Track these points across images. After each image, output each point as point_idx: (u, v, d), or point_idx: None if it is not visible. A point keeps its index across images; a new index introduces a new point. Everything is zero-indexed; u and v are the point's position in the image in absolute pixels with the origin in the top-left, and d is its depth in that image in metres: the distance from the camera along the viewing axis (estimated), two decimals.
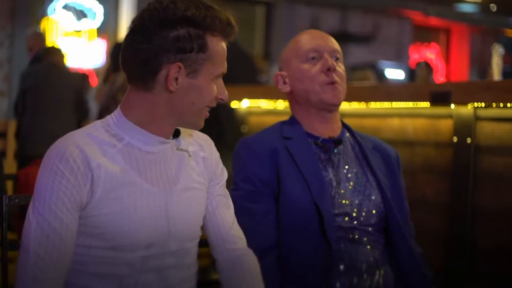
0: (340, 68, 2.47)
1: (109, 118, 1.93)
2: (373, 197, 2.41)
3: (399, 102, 3.54)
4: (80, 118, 6.36)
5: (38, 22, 9.55)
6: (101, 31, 10.25)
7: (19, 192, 3.26)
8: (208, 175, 2.07)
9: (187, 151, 2.02)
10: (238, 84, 4.76)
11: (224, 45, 1.91)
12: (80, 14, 10.07)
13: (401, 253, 2.39)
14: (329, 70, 2.41)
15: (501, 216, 3.11)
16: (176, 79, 1.83)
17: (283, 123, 2.52)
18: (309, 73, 2.43)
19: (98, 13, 10.21)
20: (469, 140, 3.22)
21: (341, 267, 2.29)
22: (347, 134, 2.53)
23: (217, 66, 1.88)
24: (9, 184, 4.27)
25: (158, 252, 1.89)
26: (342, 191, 2.38)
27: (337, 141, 2.45)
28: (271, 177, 2.36)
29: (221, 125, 5.60)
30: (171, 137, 1.96)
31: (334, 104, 2.43)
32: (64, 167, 1.78)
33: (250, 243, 2.10)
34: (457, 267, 3.18)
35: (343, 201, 2.36)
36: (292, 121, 2.51)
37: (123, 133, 1.89)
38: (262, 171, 2.36)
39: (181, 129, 2.02)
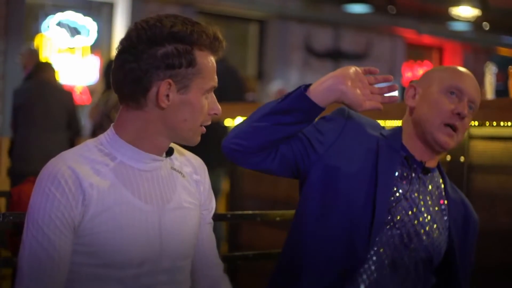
0: (468, 119, 2.32)
1: (102, 137, 1.93)
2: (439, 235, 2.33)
3: (392, 121, 3.54)
4: (73, 135, 6.34)
5: (31, 39, 9.55)
6: (95, 48, 10.26)
7: (13, 209, 3.25)
8: (200, 199, 2.07)
9: (181, 172, 2.02)
10: (230, 102, 4.75)
11: (212, 59, 1.91)
12: (74, 31, 10.08)
13: None
14: (459, 115, 2.27)
15: (494, 235, 3.11)
16: (168, 95, 1.84)
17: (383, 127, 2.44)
18: (440, 105, 2.29)
19: (92, 30, 10.22)
20: (462, 158, 3.22)
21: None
22: (438, 178, 2.42)
23: (207, 80, 1.89)
24: (2, 201, 4.26)
25: (150, 270, 1.88)
26: (415, 209, 2.28)
27: (425, 169, 2.35)
28: None
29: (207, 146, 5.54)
30: (164, 155, 1.96)
31: (442, 147, 2.31)
32: (55, 188, 1.79)
33: None
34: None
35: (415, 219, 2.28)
36: (395, 129, 2.41)
37: (116, 152, 1.89)
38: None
39: (175, 149, 2.03)
